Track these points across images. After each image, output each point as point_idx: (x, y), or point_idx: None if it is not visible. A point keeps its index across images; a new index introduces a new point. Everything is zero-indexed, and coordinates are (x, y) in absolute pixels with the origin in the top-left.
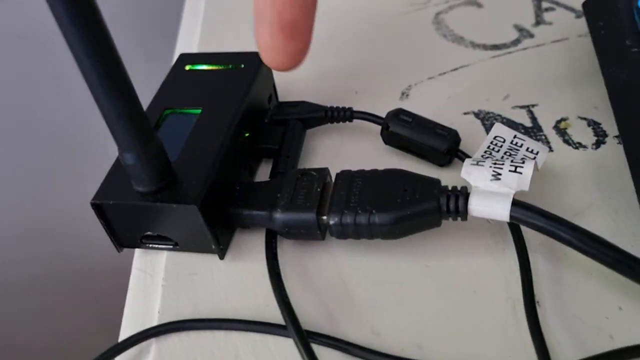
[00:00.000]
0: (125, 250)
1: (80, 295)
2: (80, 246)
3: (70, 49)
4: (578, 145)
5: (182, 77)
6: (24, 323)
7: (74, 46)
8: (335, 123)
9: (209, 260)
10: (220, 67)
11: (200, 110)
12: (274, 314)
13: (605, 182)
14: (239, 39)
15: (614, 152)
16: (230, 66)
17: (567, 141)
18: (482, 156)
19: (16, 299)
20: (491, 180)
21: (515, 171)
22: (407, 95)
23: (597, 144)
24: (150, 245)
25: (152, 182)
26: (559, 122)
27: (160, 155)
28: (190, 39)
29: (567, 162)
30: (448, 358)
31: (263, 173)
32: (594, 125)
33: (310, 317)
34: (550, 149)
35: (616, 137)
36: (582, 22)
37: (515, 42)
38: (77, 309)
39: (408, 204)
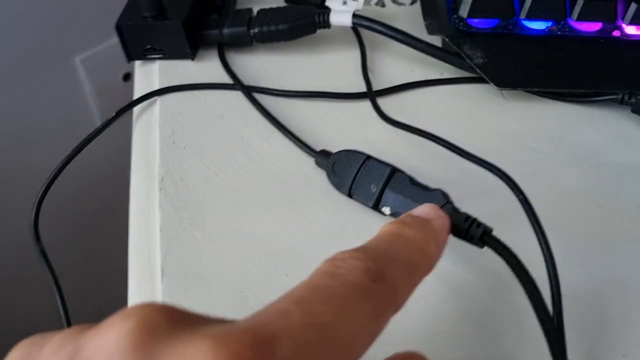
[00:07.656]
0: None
1: None
2: None
3: None
4: (400, 4)
5: None
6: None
7: None
8: None
9: (184, 63)
10: None
11: None
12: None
13: (416, 20)
14: None
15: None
16: None
17: (394, 2)
18: None
19: None
20: (342, 4)
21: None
22: None
23: (412, 3)
24: (149, 57)
25: (154, 9)
26: None
27: None
28: None
29: (394, 13)
30: None
31: None
32: None
33: (250, 78)
34: (384, 5)
35: None
36: None
37: None
38: None
39: (298, 17)
